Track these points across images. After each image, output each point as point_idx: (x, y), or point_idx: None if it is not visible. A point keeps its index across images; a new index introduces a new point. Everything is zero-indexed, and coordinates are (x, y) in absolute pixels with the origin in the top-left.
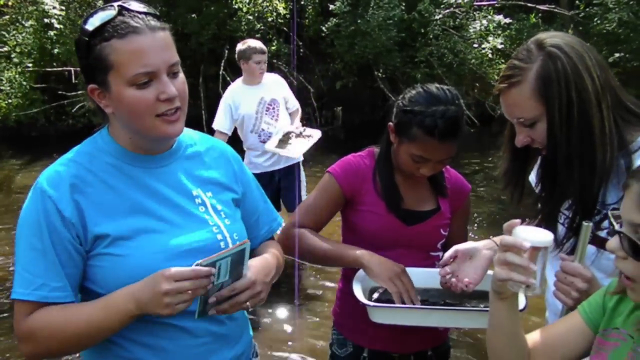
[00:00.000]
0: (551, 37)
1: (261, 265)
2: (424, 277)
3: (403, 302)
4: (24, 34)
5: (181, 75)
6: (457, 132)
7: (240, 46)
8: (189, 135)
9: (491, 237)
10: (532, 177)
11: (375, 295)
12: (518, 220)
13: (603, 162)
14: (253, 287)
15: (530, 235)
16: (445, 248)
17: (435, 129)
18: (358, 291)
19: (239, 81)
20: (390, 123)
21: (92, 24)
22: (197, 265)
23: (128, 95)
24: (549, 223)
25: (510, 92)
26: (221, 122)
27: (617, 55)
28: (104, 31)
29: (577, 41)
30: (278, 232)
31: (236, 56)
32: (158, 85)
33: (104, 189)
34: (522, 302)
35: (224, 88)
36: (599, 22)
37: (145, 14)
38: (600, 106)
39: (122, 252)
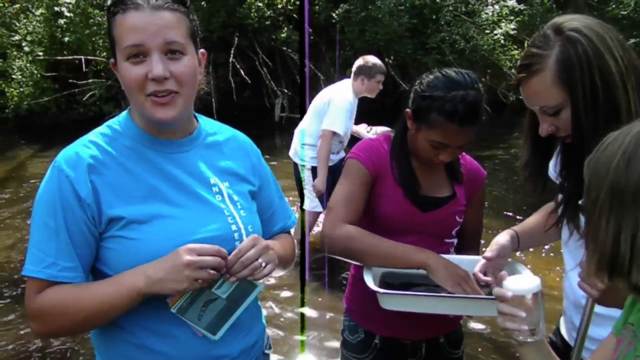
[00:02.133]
0: (569, 21)
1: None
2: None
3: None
4: (34, 23)
5: (186, 59)
6: (477, 117)
7: (361, 62)
8: (210, 124)
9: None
10: (551, 168)
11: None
12: (505, 272)
13: None
14: (258, 241)
15: (516, 284)
16: (460, 235)
17: (456, 114)
18: (368, 278)
19: (349, 91)
20: (408, 110)
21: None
22: None
23: (123, 69)
24: (572, 213)
25: (531, 81)
26: (341, 124)
27: (632, 40)
28: (117, 6)
29: (596, 22)
30: (292, 230)
31: (355, 69)
32: (149, 63)
33: (121, 171)
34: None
35: (234, 76)
36: (614, 6)
37: None
38: (625, 87)
39: (136, 235)
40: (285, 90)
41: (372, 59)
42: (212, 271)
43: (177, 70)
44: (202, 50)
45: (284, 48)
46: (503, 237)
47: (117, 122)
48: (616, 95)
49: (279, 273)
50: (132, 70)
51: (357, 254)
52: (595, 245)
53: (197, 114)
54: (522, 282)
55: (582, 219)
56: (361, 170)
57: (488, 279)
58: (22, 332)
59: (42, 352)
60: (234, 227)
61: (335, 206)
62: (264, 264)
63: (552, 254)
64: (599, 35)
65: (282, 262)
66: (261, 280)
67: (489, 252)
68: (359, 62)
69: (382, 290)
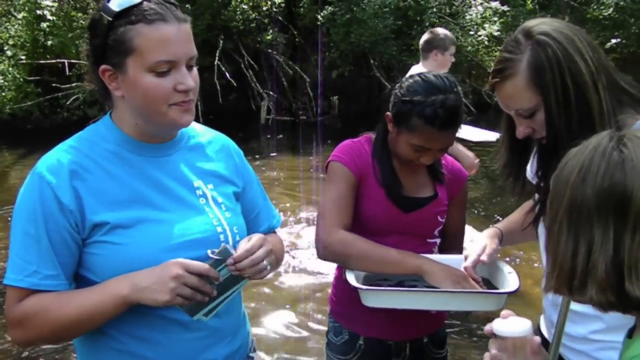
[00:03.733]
0: (539, 25)
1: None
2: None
3: (426, 286)
4: (16, 26)
5: (195, 69)
6: (457, 121)
7: (429, 35)
8: (192, 127)
9: (491, 225)
10: (528, 169)
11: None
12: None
13: None
14: (265, 242)
15: (505, 327)
16: (442, 235)
17: (436, 119)
18: (350, 276)
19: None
20: (388, 113)
21: (120, 4)
22: (211, 252)
23: (146, 81)
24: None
25: (505, 86)
26: None
27: (614, 41)
28: (130, 14)
29: (565, 25)
30: (277, 229)
31: (425, 45)
32: (176, 76)
33: (104, 176)
34: (514, 284)
35: (220, 79)
36: (595, 7)
37: (171, 3)
38: (596, 87)
39: (120, 240)
40: (271, 93)
41: (441, 30)
42: (199, 295)
43: (194, 80)
44: None
45: (270, 50)
46: (494, 240)
47: (98, 126)
48: (587, 95)
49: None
50: (160, 83)
51: (352, 260)
52: (555, 261)
53: None
54: (511, 324)
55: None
56: (346, 172)
57: (477, 276)
58: (5, 345)
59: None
60: (219, 229)
61: (327, 212)
62: (268, 267)
63: None
64: (568, 38)
65: (276, 264)
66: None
67: (484, 256)
68: (426, 36)
69: (364, 287)
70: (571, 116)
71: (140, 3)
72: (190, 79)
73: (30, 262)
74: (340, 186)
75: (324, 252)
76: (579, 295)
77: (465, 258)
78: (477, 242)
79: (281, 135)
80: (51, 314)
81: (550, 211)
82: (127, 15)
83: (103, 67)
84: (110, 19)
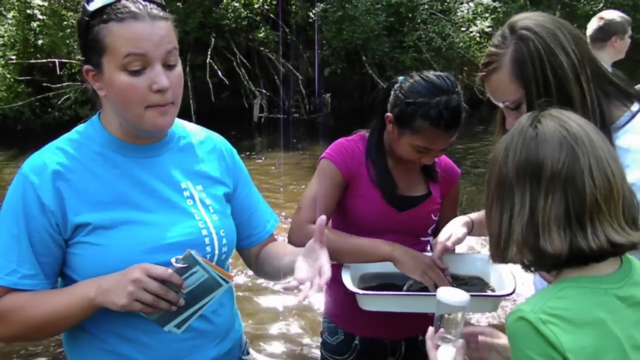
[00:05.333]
0: (522, 19)
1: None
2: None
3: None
4: (6, 26)
5: (178, 69)
6: (460, 120)
7: (602, 22)
8: (182, 127)
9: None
10: None
11: (407, 286)
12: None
13: None
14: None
15: (448, 295)
16: (435, 233)
17: (441, 120)
18: (347, 279)
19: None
20: (389, 114)
21: (95, 4)
22: (175, 260)
23: (120, 80)
24: None
25: (491, 79)
26: None
27: None
28: (103, 13)
29: (549, 19)
30: (274, 232)
31: (599, 33)
32: (150, 75)
33: (89, 177)
34: (510, 286)
35: (212, 77)
36: (585, 2)
37: (150, 1)
38: (579, 80)
39: (102, 241)
40: (264, 91)
41: (613, 13)
42: (162, 303)
43: (174, 80)
44: None
45: (262, 48)
46: (461, 229)
47: (85, 127)
48: (568, 87)
49: None
50: (132, 82)
51: None
52: (490, 231)
53: None
54: (453, 294)
55: None
56: (333, 171)
57: (442, 265)
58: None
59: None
60: (204, 232)
61: (302, 207)
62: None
63: None
64: (550, 32)
65: None
66: (233, 279)
67: (449, 242)
68: (599, 23)
69: (361, 292)
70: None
71: (116, 2)
72: (165, 78)
73: (10, 261)
74: (324, 184)
75: (296, 246)
76: (503, 257)
77: (432, 248)
78: (444, 229)
79: (274, 133)
80: (26, 313)
81: (486, 190)
82: (100, 14)
83: (86, 67)
84: (87, 18)
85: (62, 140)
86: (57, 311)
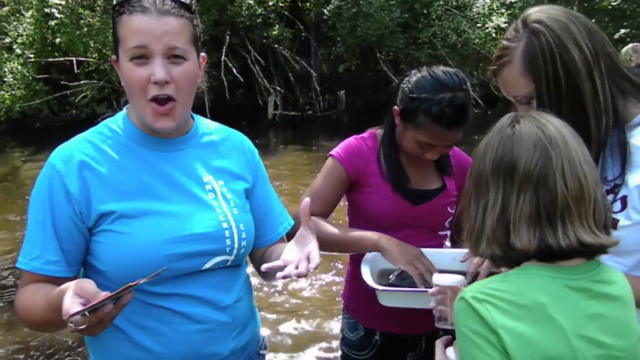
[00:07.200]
0: (535, 13)
1: None
2: (435, 258)
3: (424, 283)
4: (24, 25)
5: (187, 64)
6: (464, 118)
7: None
8: (206, 124)
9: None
10: None
11: (392, 278)
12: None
13: (597, 132)
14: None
15: (442, 279)
16: (453, 226)
17: (442, 117)
18: (367, 275)
19: None
20: (396, 107)
21: None
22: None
23: (126, 69)
24: None
25: (503, 73)
26: None
27: (622, 31)
28: (123, 6)
29: (562, 12)
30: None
31: None
32: (152, 67)
33: (114, 168)
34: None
35: (227, 74)
36: None
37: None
38: (591, 75)
39: (125, 230)
40: (278, 88)
41: None
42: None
43: (177, 75)
44: (202, 54)
45: (276, 46)
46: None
47: (114, 121)
48: (579, 83)
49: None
50: (136, 72)
51: None
52: (467, 224)
53: (193, 114)
54: (447, 277)
55: None
56: (338, 169)
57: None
58: (24, 330)
59: (40, 351)
60: (225, 225)
61: (302, 199)
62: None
63: None
64: (562, 25)
65: None
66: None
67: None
68: None
69: (380, 288)
70: (562, 104)
71: None
72: (162, 71)
73: (35, 247)
74: (327, 181)
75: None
76: (475, 250)
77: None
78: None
79: (288, 130)
80: (26, 309)
81: (467, 183)
82: (121, 7)
83: (113, 57)
84: (113, 12)
85: (91, 132)
86: (48, 311)
